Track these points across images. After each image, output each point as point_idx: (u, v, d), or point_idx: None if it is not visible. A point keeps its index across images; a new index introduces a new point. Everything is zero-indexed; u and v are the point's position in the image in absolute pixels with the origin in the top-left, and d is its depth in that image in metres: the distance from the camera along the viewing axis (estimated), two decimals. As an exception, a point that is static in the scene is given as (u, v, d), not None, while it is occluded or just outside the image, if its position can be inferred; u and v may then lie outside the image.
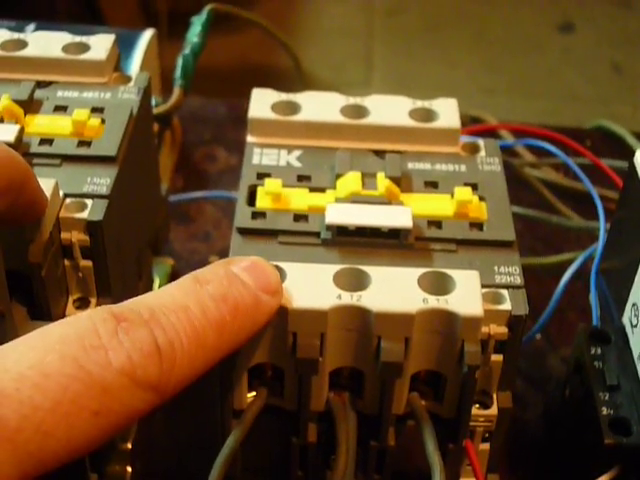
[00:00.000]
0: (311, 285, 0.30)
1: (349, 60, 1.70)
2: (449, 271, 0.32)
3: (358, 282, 0.31)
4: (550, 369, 0.46)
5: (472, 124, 0.56)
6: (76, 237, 0.33)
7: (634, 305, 0.37)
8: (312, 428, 0.33)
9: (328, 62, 1.68)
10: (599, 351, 0.38)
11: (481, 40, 1.74)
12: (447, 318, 0.31)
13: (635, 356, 0.36)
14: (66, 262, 0.33)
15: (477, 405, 0.34)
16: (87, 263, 0.34)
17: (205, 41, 0.46)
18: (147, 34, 0.50)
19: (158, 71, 0.52)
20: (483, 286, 0.32)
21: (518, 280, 0.33)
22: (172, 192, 0.49)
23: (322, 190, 0.35)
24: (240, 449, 0.32)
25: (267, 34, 0.53)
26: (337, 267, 0.31)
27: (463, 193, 0.35)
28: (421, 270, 0.32)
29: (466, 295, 0.31)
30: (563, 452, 0.40)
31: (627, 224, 0.38)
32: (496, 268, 0.33)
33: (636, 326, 0.37)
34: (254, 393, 0.33)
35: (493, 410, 0.34)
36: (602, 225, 0.40)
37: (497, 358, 0.33)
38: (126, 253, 0.37)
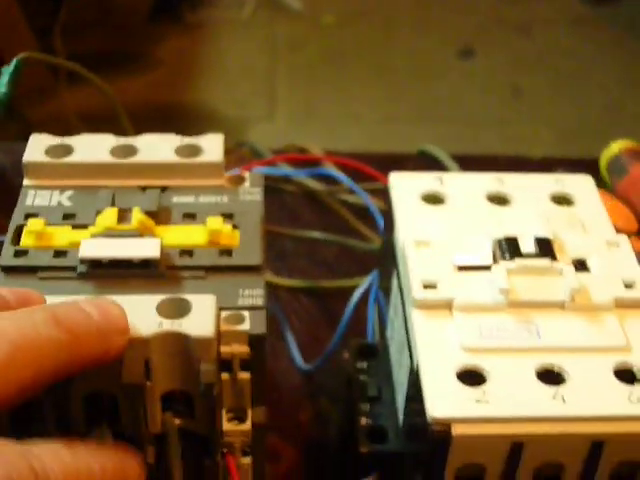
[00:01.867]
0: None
1: (253, 96, 1.73)
2: (186, 296, 0.34)
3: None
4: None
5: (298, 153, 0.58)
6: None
7: (391, 319, 0.39)
8: (150, 450, 0.35)
9: (232, 99, 1.71)
10: (365, 365, 0.40)
11: (382, 69, 1.77)
12: (181, 340, 0.33)
13: (393, 368, 0.39)
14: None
15: (235, 421, 0.36)
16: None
17: (12, 90, 0.48)
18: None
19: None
20: (225, 309, 0.34)
21: (260, 302, 0.35)
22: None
23: (85, 227, 0.37)
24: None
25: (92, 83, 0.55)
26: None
27: (214, 222, 0.37)
28: (161, 297, 0.34)
29: (199, 318, 0.33)
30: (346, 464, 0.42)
31: (388, 244, 0.40)
32: (241, 291, 0.35)
33: (392, 339, 0.39)
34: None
35: (247, 425, 0.36)
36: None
37: (245, 375, 0.35)
38: None
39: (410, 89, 1.74)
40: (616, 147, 0.58)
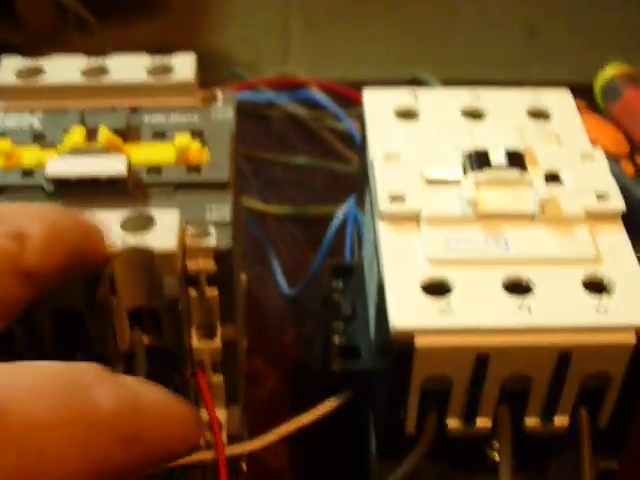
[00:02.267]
0: None
1: (266, 38, 1.71)
2: (150, 211, 0.34)
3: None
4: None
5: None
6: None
7: (365, 237, 0.39)
8: (119, 368, 0.35)
9: (245, 40, 1.69)
10: (340, 284, 0.40)
11: (398, 8, 1.75)
12: (145, 254, 0.33)
13: (367, 285, 0.38)
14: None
15: (205, 338, 0.36)
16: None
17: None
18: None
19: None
20: (191, 224, 0.34)
21: (226, 217, 0.35)
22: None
23: (54, 147, 0.37)
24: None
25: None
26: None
27: (182, 140, 0.36)
28: (125, 212, 0.34)
29: (163, 232, 0.33)
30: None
31: (362, 161, 0.40)
32: (208, 207, 0.35)
33: (365, 257, 0.39)
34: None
35: (217, 341, 0.36)
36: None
37: (212, 291, 0.35)
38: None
39: (426, 29, 1.72)
40: (610, 71, 0.57)
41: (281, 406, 0.44)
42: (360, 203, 0.42)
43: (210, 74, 0.59)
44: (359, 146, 0.45)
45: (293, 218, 0.53)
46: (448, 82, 0.58)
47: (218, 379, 0.37)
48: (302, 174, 0.55)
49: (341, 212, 0.45)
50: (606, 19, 1.61)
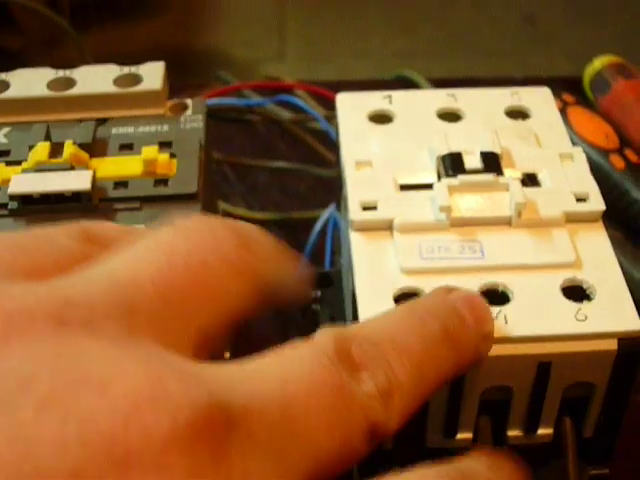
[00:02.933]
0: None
1: (263, 36, 1.70)
2: (117, 228, 0.32)
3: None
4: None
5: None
6: None
7: (343, 246, 0.38)
8: None
9: (242, 40, 1.68)
10: (319, 294, 0.39)
11: (394, 4, 1.74)
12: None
13: (344, 295, 0.37)
14: None
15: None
16: None
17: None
18: None
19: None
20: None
21: (195, 231, 0.33)
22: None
23: (19, 163, 0.36)
24: None
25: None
26: None
27: (149, 152, 0.35)
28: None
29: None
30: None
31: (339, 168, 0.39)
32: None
33: (343, 266, 0.38)
34: None
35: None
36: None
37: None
38: None
39: (423, 22, 1.71)
40: (599, 63, 0.55)
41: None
42: (340, 208, 0.41)
43: (194, 79, 0.59)
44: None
45: (277, 223, 0.52)
46: (440, 81, 0.57)
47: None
48: (286, 179, 0.54)
49: (322, 218, 0.44)
50: (605, 7, 1.59)
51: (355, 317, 0.31)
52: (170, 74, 0.39)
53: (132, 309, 0.21)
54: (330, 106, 0.53)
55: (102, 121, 0.38)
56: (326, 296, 0.39)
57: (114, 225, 0.27)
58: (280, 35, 1.70)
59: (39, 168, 0.35)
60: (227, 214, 0.50)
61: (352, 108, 0.38)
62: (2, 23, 1.40)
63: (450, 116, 0.37)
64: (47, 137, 0.37)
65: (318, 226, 0.44)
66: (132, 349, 0.20)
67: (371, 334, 0.25)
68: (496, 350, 0.30)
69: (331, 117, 0.50)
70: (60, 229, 0.24)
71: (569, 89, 0.55)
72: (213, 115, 0.39)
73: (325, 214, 0.44)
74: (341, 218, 0.39)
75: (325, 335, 0.24)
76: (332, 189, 0.50)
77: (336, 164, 0.39)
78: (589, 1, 1.67)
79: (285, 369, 0.22)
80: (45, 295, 0.21)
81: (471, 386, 0.31)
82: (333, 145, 0.52)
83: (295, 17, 1.73)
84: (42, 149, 0.36)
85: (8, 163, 0.36)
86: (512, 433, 0.33)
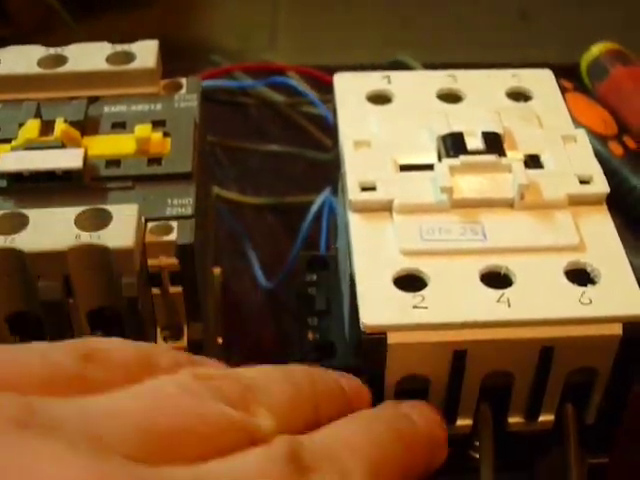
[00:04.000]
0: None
1: (254, 27, 1.69)
2: (107, 206, 0.32)
3: (14, 226, 0.31)
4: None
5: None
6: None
7: (338, 228, 0.37)
8: None
9: (233, 29, 1.67)
10: (314, 277, 0.38)
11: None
12: (100, 253, 0.31)
13: (341, 279, 0.37)
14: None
15: (171, 339, 0.34)
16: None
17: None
18: None
19: None
20: (152, 219, 0.32)
21: (188, 211, 0.33)
22: None
23: (8, 142, 0.35)
24: None
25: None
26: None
27: (142, 130, 0.35)
28: (79, 208, 0.32)
29: (120, 228, 0.31)
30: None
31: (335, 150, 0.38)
32: (169, 201, 0.33)
33: (339, 249, 0.37)
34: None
35: (183, 342, 0.34)
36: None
37: (175, 289, 0.33)
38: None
39: (417, 13, 1.70)
40: (596, 50, 0.55)
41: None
42: (336, 192, 0.40)
43: (187, 63, 0.58)
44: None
45: (271, 208, 0.51)
46: (436, 67, 0.56)
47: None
48: (280, 162, 0.53)
49: (317, 202, 0.43)
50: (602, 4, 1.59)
51: (354, 299, 0.30)
52: (162, 62, 0.39)
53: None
54: (324, 90, 0.52)
55: (94, 99, 0.37)
56: (321, 280, 0.38)
57: (124, 346, 0.26)
58: (272, 26, 1.69)
59: (29, 146, 0.34)
60: (220, 198, 0.49)
61: (350, 88, 0.37)
62: None
63: (450, 97, 0.37)
64: (37, 115, 0.36)
65: (313, 210, 0.43)
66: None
67: (325, 437, 0.25)
68: (498, 334, 0.29)
69: (326, 100, 0.49)
70: (60, 346, 0.25)
71: (565, 76, 0.54)
72: (206, 97, 0.39)
73: (320, 198, 0.43)
74: (337, 201, 0.38)
75: (279, 439, 0.24)
76: (327, 173, 0.50)
77: (332, 147, 0.39)
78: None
79: (237, 469, 0.23)
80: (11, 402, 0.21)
81: (472, 371, 0.30)
82: (328, 129, 0.51)
83: (287, 8, 1.71)
84: (32, 127, 0.35)
85: (-2, 142, 0.35)
86: (513, 420, 0.32)
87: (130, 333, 0.33)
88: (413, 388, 0.31)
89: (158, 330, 0.34)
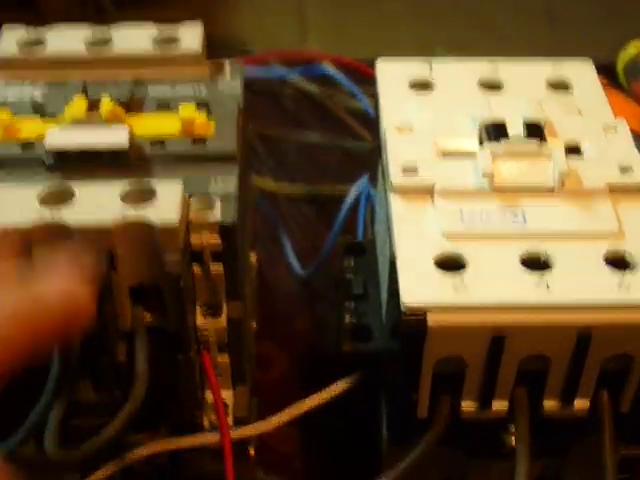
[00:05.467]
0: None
1: (284, 27, 1.69)
2: (152, 184, 0.32)
3: (61, 200, 0.32)
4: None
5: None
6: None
7: (377, 213, 0.37)
8: (121, 347, 0.34)
9: (263, 30, 1.68)
10: (352, 263, 0.38)
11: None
12: (145, 229, 0.31)
13: (379, 264, 0.37)
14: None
15: (209, 316, 0.35)
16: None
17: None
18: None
19: None
20: (195, 197, 0.33)
21: (232, 190, 0.33)
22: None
23: (55, 119, 0.36)
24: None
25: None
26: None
27: (187, 111, 0.35)
28: (125, 185, 0.32)
29: (165, 205, 0.32)
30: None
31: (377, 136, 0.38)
32: (213, 180, 0.34)
33: (378, 233, 0.37)
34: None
35: (222, 320, 0.34)
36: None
37: (217, 267, 0.33)
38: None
39: (446, 16, 1.70)
40: (634, 48, 0.55)
41: (292, 391, 0.42)
42: (373, 180, 0.41)
43: (222, 51, 0.58)
44: (373, 121, 0.43)
45: (306, 197, 0.51)
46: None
47: (224, 359, 0.36)
48: (315, 152, 0.53)
49: (354, 190, 0.44)
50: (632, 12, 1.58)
51: (394, 281, 0.31)
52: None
53: None
54: (360, 81, 0.52)
55: (138, 80, 0.37)
56: (359, 265, 0.38)
57: None
58: (301, 27, 1.69)
59: (75, 123, 0.35)
60: (256, 187, 0.50)
61: (392, 74, 0.37)
62: (21, 3, 1.40)
63: (491, 85, 0.37)
64: (83, 93, 0.36)
65: (350, 199, 0.43)
66: None
67: None
68: (536, 317, 0.29)
69: (363, 91, 0.50)
70: None
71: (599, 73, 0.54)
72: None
73: (357, 186, 0.43)
74: (376, 189, 0.38)
75: None
76: (361, 163, 0.50)
77: (374, 133, 0.39)
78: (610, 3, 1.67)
79: None
80: None
81: (510, 354, 0.30)
82: (364, 119, 0.51)
83: (316, 9, 1.72)
84: (79, 105, 0.35)
85: (43, 118, 0.36)
86: (548, 404, 0.32)
87: (171, 309, 0.33)
88: (450, 370, 0.31)
89: (197, 306, 0.34)
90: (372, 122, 0.49)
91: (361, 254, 0.39)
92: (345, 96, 0.54)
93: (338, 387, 0.35)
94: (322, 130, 0.53)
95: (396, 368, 0.32)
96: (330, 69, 0.53)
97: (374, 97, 0.38)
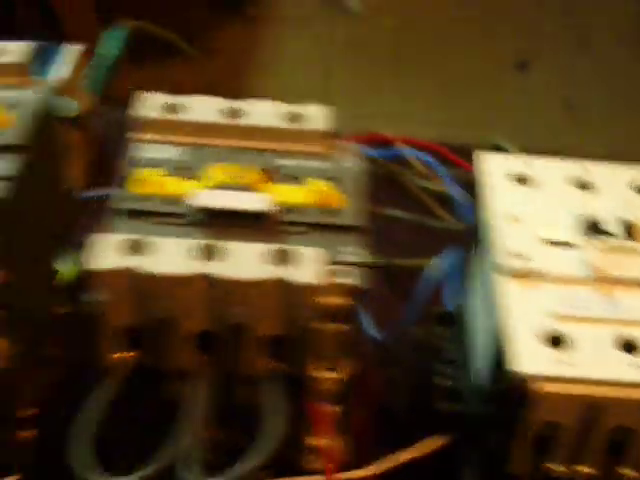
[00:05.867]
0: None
1: (309, 92, 1.74)
2: (297, 248, 0.37)
3: (213, 255, 0.36)
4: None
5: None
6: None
7: (471, 289, 0.42)
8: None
9: (287, 95, 1.73)
10: (442, 330, 0.42)
11: (439, 74, 1.79)
12: (286, 287, 0.36)
13: (469, 333, 0.41)
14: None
15: (328, 370, 0.39)
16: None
17: (120, 53, 0.51)
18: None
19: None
20: (330, 263, 0.37)
21: (363, 259, 0.37)
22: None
23: (195, 179, 0.40)
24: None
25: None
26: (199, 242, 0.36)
27: (320, 184, 0.40)
28: (271, 246, 0.37)
29: (307, 268, 0.36)
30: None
31: (475, 220, 0.43)
32: (344, 248, 0.38)
33: (472, 306, 0.41)
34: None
35: (339, 374, 0.38)
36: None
37: (343, 327, 0.38)
38: None
39: (465, 96, 1.75)
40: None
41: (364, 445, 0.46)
42: (462, 258, 0.45)
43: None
44: (457, 204, 0.48)
45: (379, 269, 0.55)
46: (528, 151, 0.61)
47: (335, 409, 0.39)
48: (389, 226, 0.57)
49: (435, 265, 0.48)
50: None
51: (500, 352, 0.35)
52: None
53: None
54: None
55: (270, 151, 0.42)
56: (448, 333, 0.43)
57: None
58: (326, 93, 1.74)
59: (221, 186, 0.39)
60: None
61: (493, 167, 0.42)
62: (43, 15, 1.42)
63: (582, 185, 0.42)
64: (221, 159, 0.41)
65: (432, 271, 0.48)
66: None
67: None
68: (628, 393, 0.34)
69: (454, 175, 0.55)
70: None
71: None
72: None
73: (441, 261, 0.48)
74: (475, 264, 0.43)
75: None
76: (434, 240, 0.54)
77: (472, 217, 0.44)
78: (628, 92, 1.72)
79: None
80: None
81: (601, 423, 0.35)
82: (440, 199, 0.56)
83: (341, 78, 1.77)
84: (224, 170, 0.40)
85: (184, 178, 0.40)
86: (624, 472, 0.36)
87: (294, 359, 0.37)
88: (543, 433, 0.35)
89: (317, 360, 0.38)
90: (444, 200, 0.54)
91: (450, 323, 0.43)
92: (417, 176, 0.59)
93: (433, 442, 0.39)
94: (395, 205, 0.58)
95: (495, 431, 0.36)
96: (405, 150, 0.58)
97: (473, 184, 0.42)
